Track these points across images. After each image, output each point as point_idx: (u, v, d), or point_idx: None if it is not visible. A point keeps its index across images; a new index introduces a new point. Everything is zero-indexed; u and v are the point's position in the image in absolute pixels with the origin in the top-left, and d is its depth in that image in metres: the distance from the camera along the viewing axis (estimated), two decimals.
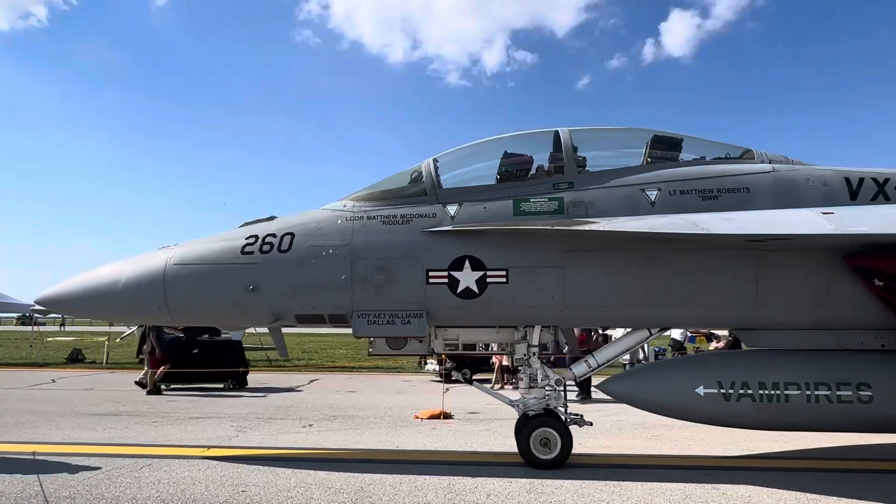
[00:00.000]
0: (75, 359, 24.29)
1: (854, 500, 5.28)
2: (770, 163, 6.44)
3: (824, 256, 5.89)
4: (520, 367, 6.74)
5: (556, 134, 6.79)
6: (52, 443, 7.47)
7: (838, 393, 5.87)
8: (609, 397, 6.59)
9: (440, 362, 16.99)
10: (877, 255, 5.66)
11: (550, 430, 6.34)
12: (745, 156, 6.62)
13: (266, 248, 6.46)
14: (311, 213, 6.77)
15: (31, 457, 6.58)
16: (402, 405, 11.54)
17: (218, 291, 6.44)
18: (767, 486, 5.66)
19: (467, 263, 6.26)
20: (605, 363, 6.66)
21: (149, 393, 13.24)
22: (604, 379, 6.64)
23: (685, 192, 6.22)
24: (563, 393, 6.60)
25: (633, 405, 6.41)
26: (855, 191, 6.22)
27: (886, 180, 6.25)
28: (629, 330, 6.85)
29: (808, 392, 5.96)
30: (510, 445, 7.53)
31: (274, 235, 6.51)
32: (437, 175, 6.62)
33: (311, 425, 9.09)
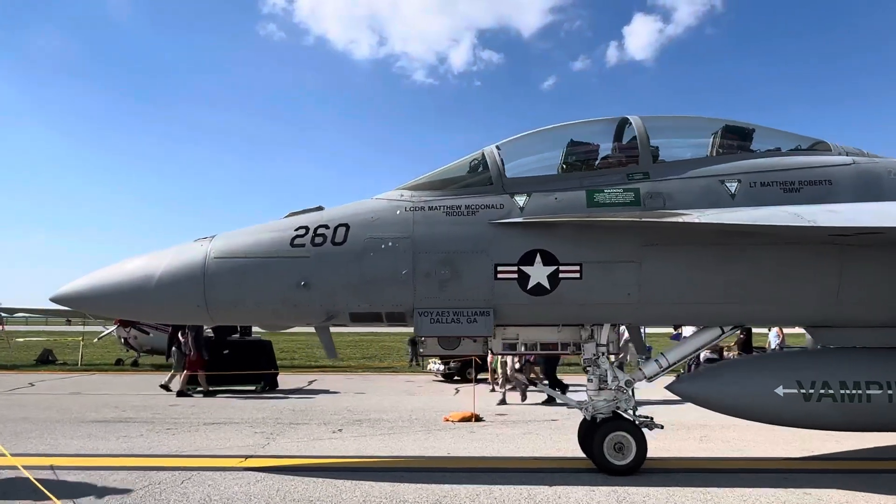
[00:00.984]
0: (46, 360, 22.96)
1: None
2: (848, 155, 6.23)
3: None
4: (588, 368, 6.37)
5: (625, 121, 6.46)
6: (68, 455, 6.76)
7: None
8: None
9: (445, 362, 16.64)
10: None
11: (625, 434, 6.00)
12: (819, 147, 6.40)
13: (319, 240, 5.94)
14: (364, 203, 6.27)
15: (52, 472, 5.90)
16: (422, 407, 11.06)
17: (265, 288, 5.89)
18: (859, 490, 5.44)
19: (538, 258, 5.86)
20: (675, 362, 6.36)
21: (179, 395, 12.57)
22: (673, 380, 6.35)
23: (766, 184, 5.94)
24: (633, 395, 6.27)
25: (707, 407, 6.12)
26: None
27: None
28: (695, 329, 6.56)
29: (889, 391, 5.77)
30: (565, 449, 7.27)
31: (326, 226, 5.98)
32: (503, 163, 6.19)
33: (340, 430, 8.56)
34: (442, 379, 17.01)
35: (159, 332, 22.30)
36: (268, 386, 13.75)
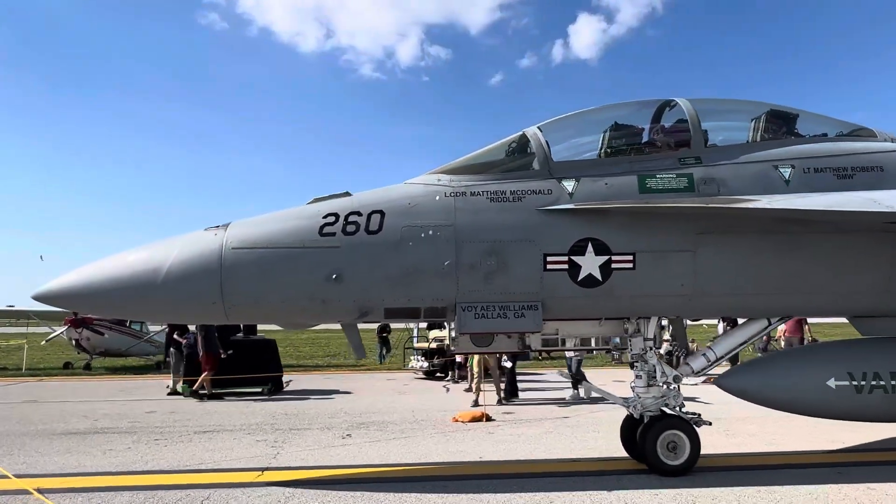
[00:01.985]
0: None
1: None
2: (893, 141, 6.12)
3: None
4: (635, 364, 6.04)
5: (666, 103, 6.15)
6: (52, 474, 5.90)
7: None
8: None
9: (430, 359, 16.13)
10: None
11: (679, 433, 5.70)
12: (863, 133, 6.27)
13: (351, 228, 5.35)
14: (397, 188, 5.73)
15: (39, 496, 5.09)
16: (422, 407, 10.53)
17: (291, 282, 5.26)
18: None
19: (590, 247, 5.47)
20: (723, 356, 6.10)
21: (192, 395, 11.81)
22: (722, 373, 6.10)
23: (819, 169, 5.74)
24: (680, 391, 5.98)
25: (758, 402, 5.90)
26: None
27: None
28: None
29: None
30: (597, 448, 6.94)
31: (359, 213, 5.41)
32: (549, 146, 5.77)
33: (349, 436, 7.94)
34: (423, 377, 16.53)
35: (114, 333, 20.93)
36: (275, 388, 12.93)
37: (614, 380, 13.27)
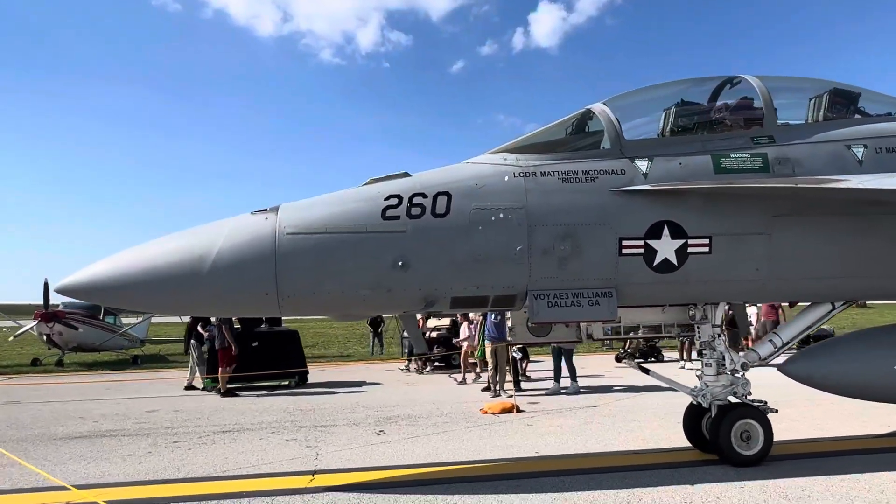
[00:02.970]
0: None
1: None
2: None
3: None
4: (704, 351, 5.81)
5: (732, 80, 5.89)
6: (83, 485, 5.31)
7: None
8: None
9: (430, 347, 15.73)
10: None
11: (752, 422, 5.50)
12: None
13: (416, 211, 4.93)
14: (462, 167, 5.33)
15: None
16: (442, 399, 10.20)
17: (353, 269, 4.81)
18: None
19: (666, 230, 5.18)
20: (790, 341, 5.92)
21: (224, 395, 11.22)
22: (785, 360, 5.93)
23: (892, 149, 5.58)
24: (748, 379, 5.79)
25: (824, 389, 5.75)
26: None
27: None
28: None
29: None
30: (649, 438, 6.71)
31: (423, 195, 4.98)
32: (620, 124, 5.44)
33: (383, 432, 7.53)
34: (427, 368, 16.15)
35: (88, 327, 19.85)
36: (300, 381, 12.45)
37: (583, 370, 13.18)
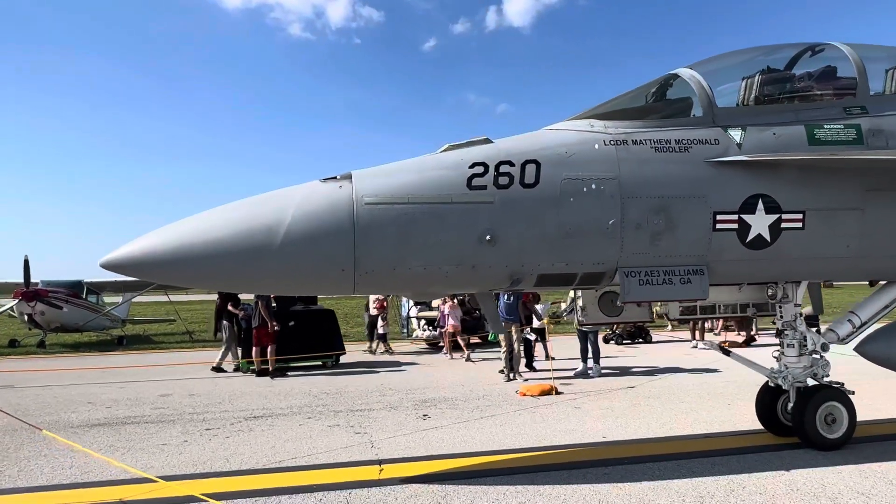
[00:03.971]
0: None
1: None
2: None
3: None
4: (786, 332, 5.59)
5: (814, 48, 5.58)
6: (168, 477, 4.84)
7: None
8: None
9: (435, 327, 15.39)
10: None
11: (837, 404, 5.35)
12: None
13: (503, 180, 4.52)
14: (545, 134, 4.93)
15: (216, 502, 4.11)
16: (469, 381, 9.92)
17: (438, 244, 4.39)
18: None
19: (761, 204, 4.89)
20: (869, 320, 5.73)
21: (259, 375, 10.86)
22: (862, 340, 5.75)
23: None
24: (828, 360, 5.60)
25: None
26: None
27: None
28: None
29: None
30: (707, 420, 6.52)
31: (510, 164, 4.57)
32: (712, 90, 5.09)
33: (426, 416, 7.18)
34: (428, 347, 15.85)
35: (72, 307, 18.94)
36: (336, 362, 12.15)
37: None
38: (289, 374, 11.16)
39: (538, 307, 11.14)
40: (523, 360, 10.54)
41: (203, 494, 4.21)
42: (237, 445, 5.97)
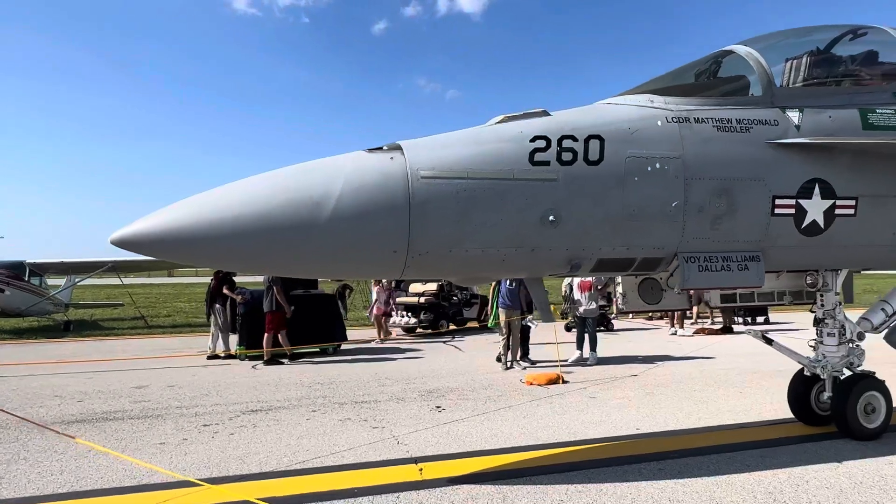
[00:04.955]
0: None
1: None
2: None
3: None
4: (826, 321, 5.49)
5: (857, 31, 5.45)
6: (164, 485, 4.26)
7: None
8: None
9: (416, 315, 15.02)
10: None
11: (877, 394, 5.30)
12: None
13: (567, 156, 4.16)
14: (605, 108, 4.60)
15: None
16: (468, 370, 9.62)
17: (498, 224, 4.00)
18: None
19: (817, 189, 4.73)
20: None
21: (267, 363, 10.31)
22: (891, 329, 5.73)
23: None
24: (863, 349, 5.55)
25: None
26: None
27: None
28: None
29: None
30: (733, 409, 6.35)
31: (573, 138, 4.21)
32: (770, 69, 4.87)
33: (440, 408, 6.80)
34: (403, 334, 15.44)
35: (14, 289, 17.48)
36: (337, 348, 11.77)
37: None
38: (283, 361, 10.59)
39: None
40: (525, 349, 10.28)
41: (259, 499, 3.71)
42: (247, 444, 5.43)
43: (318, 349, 11.60)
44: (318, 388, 8.09)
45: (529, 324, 10.63)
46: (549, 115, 4.39)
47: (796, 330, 14.20)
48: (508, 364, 9.71)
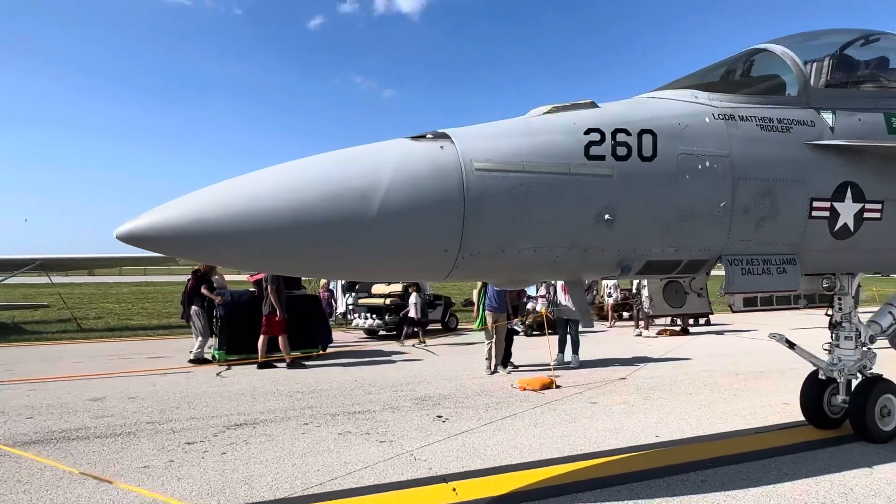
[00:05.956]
0: None
1: None
2: None
3: None
4: (843, 324, 5.49)
5: (869, 36, 5.50)
6: None
7: None
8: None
9: (381, 318, 14.51)
10: None
11: (891, 396, 5.35)
12: None
13: (622, 151, 3.91)
14: (650, 101, 4.40)
15: None
16: (454, 375, 9.25)
17: (552, 222, 3.68)
18: None
19: (849, 192, 4.70)
20: None
21: (260, 367, 9.79)
22: None
23: None
24: (875, 352, 5.61)
25: None
26: None
27: None
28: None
29: None
30: (739, 413, 6.30)
31: (627, 132, 3.96)
32: (808, 69, 4.80)
33: (439, 418, 6.40)
34: (365, 336, 14.89)
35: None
36: (324, 349, 11.33)
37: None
38: (276, 365, 9.91)
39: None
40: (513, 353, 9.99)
41: None
42: (246, 465, 4.85)
43: (315, 353, 11.15)
44: (301, 398, 7.50)
45: (516, 327, 10.41)
46: (598, 106, 4.12)
47: (738, 331, 14.69)
48: (493, 368, 9.42)
